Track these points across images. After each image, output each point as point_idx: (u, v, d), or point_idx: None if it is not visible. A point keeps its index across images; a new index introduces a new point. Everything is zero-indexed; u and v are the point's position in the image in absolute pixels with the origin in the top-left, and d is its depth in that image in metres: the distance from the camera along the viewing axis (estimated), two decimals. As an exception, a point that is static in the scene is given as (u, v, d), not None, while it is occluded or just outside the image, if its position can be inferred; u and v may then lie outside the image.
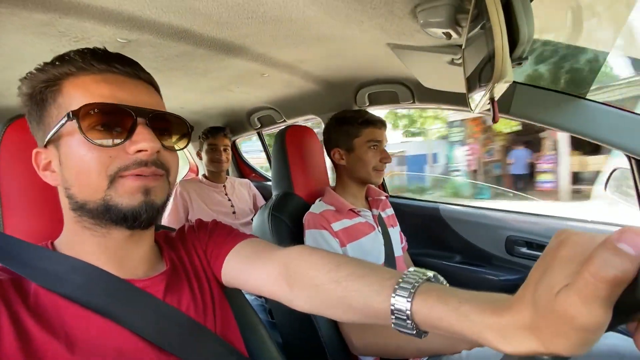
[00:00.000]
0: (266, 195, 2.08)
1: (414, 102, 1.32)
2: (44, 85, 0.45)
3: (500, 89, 0.53)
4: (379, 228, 1.13)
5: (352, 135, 1.11)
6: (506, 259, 1.34)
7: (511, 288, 0.29)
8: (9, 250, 0.45)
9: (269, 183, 2.23)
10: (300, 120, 1.78)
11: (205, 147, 1.89)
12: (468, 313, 0.31)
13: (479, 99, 0.62)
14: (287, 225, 1.09)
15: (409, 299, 0.35)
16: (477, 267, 1.39)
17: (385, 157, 1.11)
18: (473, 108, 0.70)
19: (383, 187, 1.71)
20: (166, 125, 0.50)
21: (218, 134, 1.89)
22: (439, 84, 1.16)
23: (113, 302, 0.46)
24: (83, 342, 0.42)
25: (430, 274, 0.39)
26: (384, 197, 1.23)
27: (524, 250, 1.30)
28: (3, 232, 0.57)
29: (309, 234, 1.01)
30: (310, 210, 1.07)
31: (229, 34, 0.91)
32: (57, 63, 0.45)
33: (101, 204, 0.44)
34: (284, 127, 1.25)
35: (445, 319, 0.33)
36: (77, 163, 0.44)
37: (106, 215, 0.45)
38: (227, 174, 2.01)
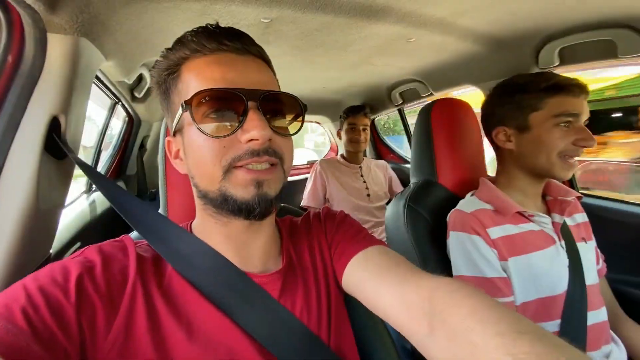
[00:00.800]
0: (404, 180, 1.91)
1: (648, 53, 0.84)
2: (166, 73, 0.46)
3: None
4: (562, 242, 0.79)
5: (528, 107, 0.78)
6: None
7: None
8: (157, 228, 0.48)
9: (408, 166, 2.04)
10: (451, 93, 1.50)
11: (345, 126, 1.86)
12: None
13: None
14: (426, 220, 0.91)
15: None
16: None
17: (583, 138, 0.73)
18: None
19: (570, 183, 1.24)
20: (278, 106, 0.46)
21: (358, 114, 1.83)
22: None
23: (233, 295, 0.44)
24: (200, 333, 0.42)
25: None
26: (572, 198, 0.85)
27: None
28: (166, 208, 0.66)
29: (455, 237, 0.80)
30: (458, 207, 0.84)
31: None
32: (175, 47, 0.46)
33: (219, 194, 0.43)
34: (429, 101, 1.04)
35: None
36: (196, 153, 0.44)
37: (225, 205, 0.44)
38: (365, 155, 1.94)
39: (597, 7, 0.82)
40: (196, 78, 0.43)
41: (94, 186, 1.43)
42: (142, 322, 0.39)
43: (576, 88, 0.74)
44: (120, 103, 1.31)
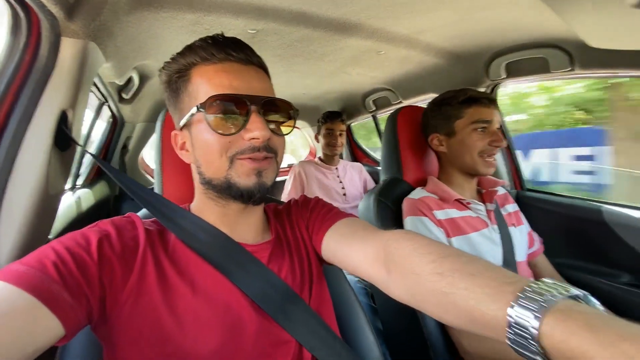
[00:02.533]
0: (378, 181, 2.05)
1: (572, 69, 1.02)
2: (177, 75, 0.52)
3: None
4: (494, 226, 0.94)
5: (452, 116, 0.95)
6: None
7: None
8: (162, 208, 0.56)
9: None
10: (418, 101, 1.65)
11: (322, 131, 1.97)
12: (634, 355, 0.22)
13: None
14: (393, 211, 1.03)
15: (538, 315, 0.28)
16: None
17: (495, 140, 0.91)
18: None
19: (519, 178, 1.42)
20: (275, 109, 0.53)
21: (335, 119, 1.94)
22: (615, 41, 0.85)
23: (229, 260, 0.52)
24: (202, 288, 0.50)
25: (577, 292, 0.29)
26: (501, 190, 1.01)
27: None
28: (162, 194, 0.73)
29: (408, 222, 0.92)
30: (409, 196, 0.98)
31: (344, 11, 0.90)
32: (185, 53, 0.52)
33: (224, 181, 0.51)
34: (396, 109, 1.17)
35: (593, 356, 0.24)
36: (204, 146, 0.51)
37: (227, 191, 0.52)
38: (341, 157, 2.05)
39: (530, 29, 0.98)
40: (207, 83, 0.50)
41: (78, 183, 1.45)
42: (153, 279, 0.47)
43: (486, 100, 0.93)
44: (106, 104, 1.36)
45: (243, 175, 0.50)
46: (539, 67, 1.10)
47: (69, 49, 0.63)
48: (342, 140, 1.95)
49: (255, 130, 0.49)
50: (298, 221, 0.65)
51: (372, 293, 1.35)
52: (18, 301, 0.35)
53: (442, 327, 0.88)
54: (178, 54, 0.53)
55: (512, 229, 0.97)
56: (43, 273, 0.38)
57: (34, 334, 0.35)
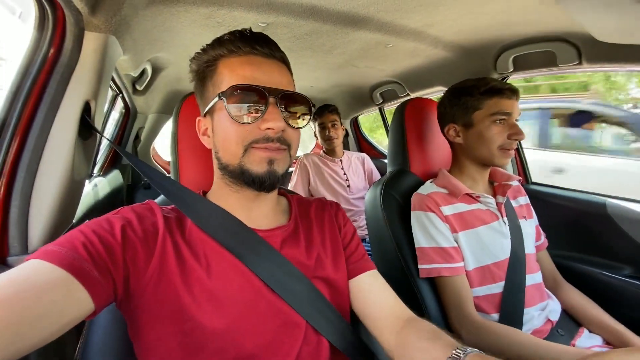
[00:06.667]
0: (384, 173, 2.06)
1: (580, 63, 1.02)
2: (205, 64, 0.56)
3: None
4: (504, 218, 0.95)
5: (471, 107, 0.92)
6: None
7: None
8: (180, 194, 0.59)
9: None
10: (428, 94, 1.66)
11: (317, 128, 1.99)
12: None
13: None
14: (399, 203, 1.06)
15: None
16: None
17: (515, 133, 0.89)
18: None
19: (524, 172, 1.43)
20: (292, 103, 0.56)
21: (323, 112, 1.94)
22: (623, 36, 0.85)
23: (241, 244, 0.55)
24: (217, 270, 0.53)
25: None
26: (515, 183, 1.01)
27: None
28: (179, 181, 0.77)
29: (415, 216, 0.94)
30: (418, 191, 0.99)
31: (354, 5, 0.91)
32: (215, 45, 0.56)
33: (238, 167, 0.54)
34: (404, 101, 1.19)
35: None
36: (223, 133, 0.54)
37: (240, 177, 0.54)
38: (347, 148, 2.07)
39: (538, 23, 0.99)
40: (231, 74, 0.53)
41: (95, 172, 1.50)
42: (172, 263, 0.50)
43: (508, 91, 0.90)
44: (120, 95, 1.40)
45: (255, 163, 0.52)
46: (547, 61, 1.11)
47: (91, 42, 0.66)
48: (336, 130, 1.94)
49: (271, 120, 0.51)
50: (332, 225, 0.67)
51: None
52: (54, 276, 0.38)
53: (446, 320, 0.90)
54: (208, 45, 0.56)
55: (522, 222, 0.97)
56: (74, 252, 0.41)
57: (68, 306, 0.38)
